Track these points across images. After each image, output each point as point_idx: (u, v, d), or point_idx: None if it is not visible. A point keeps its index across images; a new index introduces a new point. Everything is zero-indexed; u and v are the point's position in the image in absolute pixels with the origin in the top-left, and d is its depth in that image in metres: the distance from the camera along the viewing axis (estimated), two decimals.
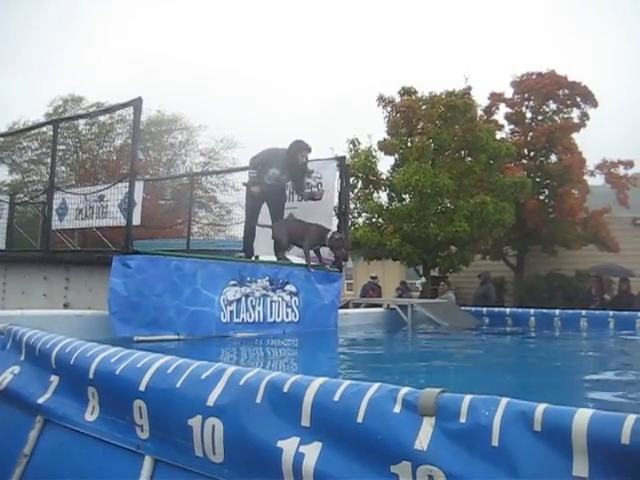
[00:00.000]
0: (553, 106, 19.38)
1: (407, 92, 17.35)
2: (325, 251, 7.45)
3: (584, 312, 8.75)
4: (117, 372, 2.25)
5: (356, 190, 16.74)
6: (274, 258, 7.54)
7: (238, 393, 1.90)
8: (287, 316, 6.73)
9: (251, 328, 6.29)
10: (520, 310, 9.38)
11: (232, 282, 6.18)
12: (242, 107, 52.36)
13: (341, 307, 8.08)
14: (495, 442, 1.45)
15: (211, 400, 1.92)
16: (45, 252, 6.86)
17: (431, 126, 16.44)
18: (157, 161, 32.81)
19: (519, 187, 16.20)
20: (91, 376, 2.35)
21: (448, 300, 12.47)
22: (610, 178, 18.92)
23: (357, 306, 10.00)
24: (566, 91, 19.04)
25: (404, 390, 1.64)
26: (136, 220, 8.74)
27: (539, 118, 19.40)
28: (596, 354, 6.38)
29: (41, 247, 7.69)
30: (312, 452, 1.67)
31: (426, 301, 10.41)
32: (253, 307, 6.35)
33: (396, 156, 17.01)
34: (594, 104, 19.00)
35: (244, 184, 7.76)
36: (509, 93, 19.66)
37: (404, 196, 16.55)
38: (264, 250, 7.82)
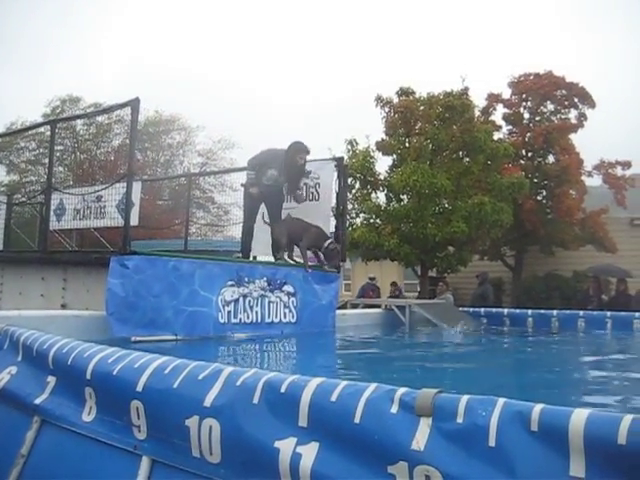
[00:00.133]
0: (551, 107, 19.40)
1: (405, 93, 17.35)
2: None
3: (581, 313, 8.76)
4: (114, 373, 2.25)
5: (354, 190, 16.72)
6: (272, 258, 7.54)
7: (235, 393, 1.90)
8: (285, 317, 6.73)
9: (249, 329, 6.29)
10: (518, 311, 9.39)
11: (230, 282, 6.18)
12: (240, 107, 52.35)
13: (339, 308, 8.08)
14: (492, 442, 1.45)
15: (208, 400, 1.92)
16: (43, 252, 6.86)
17: (429, 127, 16.44)
18: (155, 161, 32.79)
19: (517, 188, 16.20)
20: (88, 377, 2.35)
21: (446, 301, 12.47)
22: (608, 179, 18.94)
23: (355, 307, 10.00)
24: (564, 92, 19.06)
25: (401, 390, 1.64)
26: (134, 221, 8.75)
27: (537, 119, 19.41)
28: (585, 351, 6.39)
29: (39, 247, 7.69)
30: (309, 452, 1.67)
31: (424, 302, 10.41)
32: (251, 308, 6.35)
33: (394, 156, 17.01)
34: (592, 105, 19.03)
35: (242, 185, 7.75)
36: (507, 94, 19.69)
37: (402, 196, 16.54)
38: (262, 250, 7.82)
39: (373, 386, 1.70)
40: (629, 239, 19.01)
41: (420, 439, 1.52)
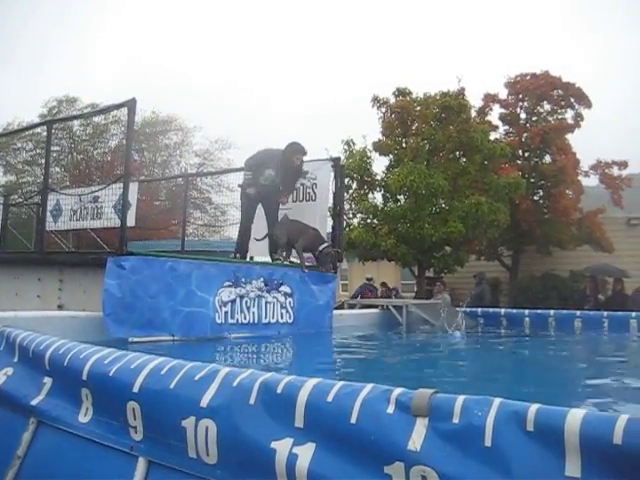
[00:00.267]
0: (547, 107, 19.45)
1: (402, 93, 17.36)
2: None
3: (578, 312, 8.77)
4: (111, 373, 2.24)
5: (351, 191, 16.75)
6: (269, 259, 7.54)
7: (232, 394, 1.90)
8: (282, 317, 6.73)
9: (246, 329, 6.29)
10: (515, 311, 9.39)
11: (227, 283, 6.17)
12: (237, 108, 52.34)
13: (336, 308, 8.08)
14: (488, 442, 1.45)
15: (205, 401, 1.92)
16: (39, 253, 6.84)
17: (426, 127, 16.46)
18: (152, 162, 32.72)
19: (513, 188, 16.24)
20: (85, 377, 2.35)
21: (443, 301, 12.47)
22: (604, 179, 18.99)
23: (352, 307, 10.00)
24: (560, 92, 19.10)
25: (397, 391, 1.64)
26: (131, 221, 8.73)
27: (533, 119, 19.45)
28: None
29: (35, 248, 7.67)
30: (306, 453, 1.67)
31: (421, 302, 10.42)
32: (248, 308, 6.35)
33: (391, 157, 17.03)
34: (588, 105, 19.06)
35: (239, 185, 7.75)
36: (503, 94, 19.73)
37: (399, 197, 16.56)
38: (259, 251, 7.82)
39: (369, 386, 1.70)
40: (626, 239, 19.05)
41: (416, 439, 1.52)
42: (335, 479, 1.60)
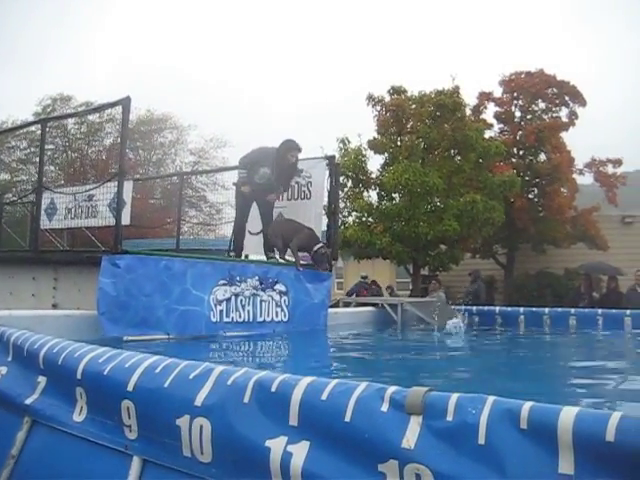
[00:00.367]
0: (542, 105, 19.45)
1: (396, 91, 17.35)
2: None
3: (573, 310, 8.78)
4: (105, 372, 2.24)
5: (346, 189, 16.74)
6: (264, 257, 7.54)
7: (226, 393, 1.90)
8: (277, 315, 6.73)
9: (241, 327, 6.29)
10: (509, 309, 9.41)
11: (222, 281, 6.17)
12: (232, 106, 52.31)
13: (331, 306, 8.09)
14: (482, 440, 1.46)
15: (199, 400, 1.92)
16: (34, 252, 6.84)
17: (420, 125, 16.47)
18: (147, 160, 32.71)
19: (508, 186, 16.26)
20: (79, 376, 2.34)
21: (438, 299, 12.48)
22: (599, 177, 19.03)
23: (347, 305, 10.00)
24: (555, 90, 19.11)
25: (391, 389, 1.65)
26: (125, 220, 8.72)
27: (528, 117, 19.46)
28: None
29: (30, 247, 7.66)
30: (300, 451, 1.67)
31: (416, 300, 10.43)
32: (243, 306, 6.35)
33: (386, 155, 17.01)
34: (583, 103, 19.08)
35: (234, 184, 7.75)
36: (498, 92, 19.73)
37: (394, 195, 16.56)
38: (254, 249, 7.82)
39: (364, 385, 1.70)
40: (620, 237, 19.08)
41: (410, 437, 1.53)
42: (329, 477, 1.60)
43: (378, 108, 17.24)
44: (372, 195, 17.15)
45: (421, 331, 7.81)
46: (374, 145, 16.99)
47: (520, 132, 19.04)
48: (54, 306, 6.28)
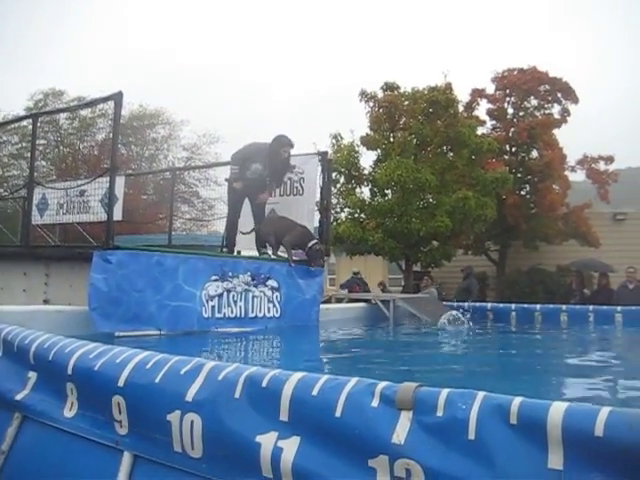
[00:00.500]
0: (534, 102, 19.50)
1: (389, 87, 17.36)
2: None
3: (564, 307, 8.82)
4: (96, 368, 2.23)
5: (338, 185, 16.75)
6: (256, 253, 7.54)
7: (217, 388, 1.90)
8: (269, 311, 6.73)
9: (232, 323, 6.29)
10: (501, 305, 9.44)
11: (214, 277, 6.16)
12: (225, 102, 52.24)
13: (323, 302, 8.09)
14: (472, 435, 1.46)
15: (190, 395, 1.92)
16: (25, 247, 6.81)
17: (413, 121, 16.48)
18: (139, 156, 32.61)
19: (501, 182, 16.30)
20: (70, 372, 2.34)
21: (430, 295, 12.52)
22: (591, 174, 19.10)
23: (339, 301, 10.01)
24: (547, 87, 19.16)
25: (382, 384, 1.65)
26: (117, 215, 8.70)
27: (520, 114, 19.51)
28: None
29: (21, 242, 7.63)
30: (290, 447, 1.67)
31: (408, 296, 10.45)
32: (235, 302, 6.34)
33: (378, 151, 17.03)
34: (575, 100, 19.13)
35: (226, 180, 7.74)
36: (490, 89, 19.76)
37: (386, 191, 16.58)
38: (246, 245, 7.81)
39: (354, 380, 1.71)
40: (612, 234, 19.15)
41: (400, 433, 1.53)
42: (320, 472, 1.61)
43: (371, 104, 17.25)
44: (365, 191, 17.19)
45: (413, 327, 7.82)
46: (367, 141, 16.99)
47: (512, 129, 19.09)
48: (45, 302, 6.26)
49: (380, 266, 21.50)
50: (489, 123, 19.81)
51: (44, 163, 28.35)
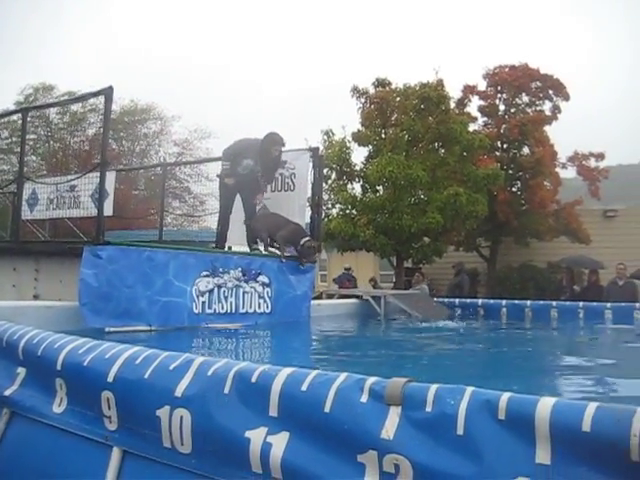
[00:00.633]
0: (526, 99, 19.55)
1: (381, 84, 17.37)
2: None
3: (554, 303, 8.85)
4: (85, 363, 2.23)
5: (330, 181, 16.75)
6: (247, 249, 7.53)
7: (206, 383, 1.90)
8: (259, 307, 6.73)
9: (223, 319, 6.28)
10: (492, 301, 9.45)
11: (204, 273, 6.15)
12: (217, 98, 52.14)
13: (314, 298, 8.09)
14: (460, 431, 1.47)
15: (179, 391, 1.91)
16: (15, 243, 6.78)
17: (405, 118, 16.49)
18: (130, 151, 32.52)
19: (492, 179, 16.33)
20: (59, 367, 2.33)
21: (421, 291, 12.54)
22: (581, 170, 19.17)
23: (330, 297, 10.01)
24: (538, 84, 19.21)
25: (371, 380, 1.65)
26: (108, 211, 8.67)
27: (512, 110, 19.55)
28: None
29: (11, 238, 7.61)
30: (280, 442, 1.68)
31: (399, 292, 10.47)
32: (225, 298, 6.33)
33: (370, 147, 17.03)
34: (566, 97, 19.19)
35: (218, 176, 7.72)
36: (482, 85, 19.78)
37: (378, 187, 16.59)
38: (237, 241, 7.80)
39: (343, 375, 1.71)
40: (602, 230, 19.24)
41: (389, 428, 1.53)
42: (309, 468, 1.61)
43: (362, 100, 17.26)
44: (356, 187, 17.19)
45: (404, 323, 7.82)
46: (358, 137, 16.99)
47: (504, 125, 19.12)
48: (35, 297, 6.24)
49: (371, 262, 21.53)
50: (480, 120, 19.87)
51: (34, 158, 28.23)
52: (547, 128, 19.08)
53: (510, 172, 18.62)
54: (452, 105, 17.47)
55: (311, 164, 7.88)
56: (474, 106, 19.69)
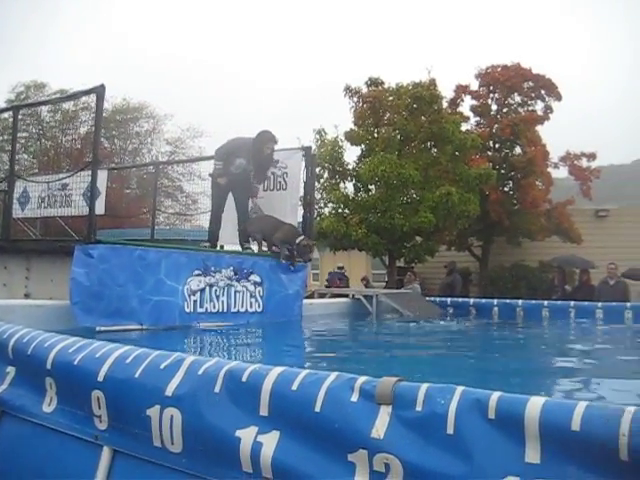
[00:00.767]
0: (518, 98, 19.58)
1: (374, 83, 17.38)
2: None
3: (546, 302, 8.87)
4: (75, 362, 2.22)
5: (322, 180, 16.74)
6: (239, 248, 7.53)
7: (197, 383, 1.89)
8: (251, 306, 6.72)
9: (215, 318, 6.27)
10: (484, 300, 9.47)
11: (196, 272, 6.15)
12: (210, 97, 52.10)
13: (306, 297, 8.09)
14: (450, 430, 1.47)
15: (170, 390, 1.91)
16: (5, 241, 6.75)
17: (397, 117, 16.50)
18: (123, 150, 32.42)
19: (484, 178, 16.35)
20: (49, 367, 2.32)
21: (413, 290, 12.55)
22: (573, 170, 19.22)
23: (322, 296, 10.01)
24: (531, 84, 19.25)
25: (362, 379, 1.65)
26: (100, 209, 8.64)
27: (504, 110, 19.58)
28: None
29: (1, 236, 7.57)
30: (270, 441, 1.68)
31: (391, 291, 10.48)
32: (217, 297, 6.33)
33: (362, 147, 17.02)
34: (558, 97, 19.24)
35: (210, 175, 7.72)
36: (475, 85, 19.81)
37: (370, 187, 16.59)
38: (229, 240, 7.79)
39: (334, 375, 1.71)
40: (594, 230, 19.31)
41: (380, 427, 1.53)
42: (299, 467, 1.61)
43: (355, 99, 17.25)
44: (348, 186, 17.19)
45: (395, 322, 7.83)
46: (351, 136, 16.99)
47: (496, 125, 19.14)
48: (26, 296, 6.22)
49: (363, 261, 21.54)
50: (473, 119, 19.89)
51: (25, 156, 28.11)
52: (539, 128, 19.15)
53: (502, 172, 18.64)
54: (444, 105, 17.50)
55: (303, 163, 7.88)
56: (466, 106, 19.76)
